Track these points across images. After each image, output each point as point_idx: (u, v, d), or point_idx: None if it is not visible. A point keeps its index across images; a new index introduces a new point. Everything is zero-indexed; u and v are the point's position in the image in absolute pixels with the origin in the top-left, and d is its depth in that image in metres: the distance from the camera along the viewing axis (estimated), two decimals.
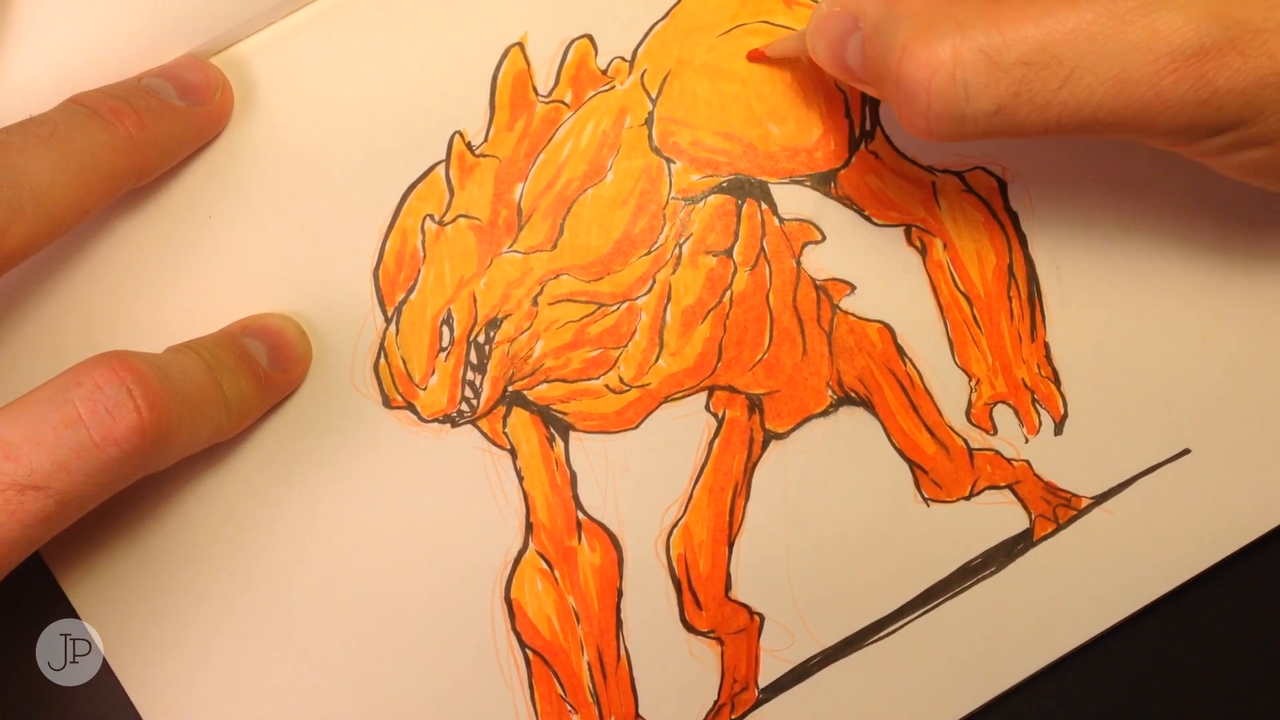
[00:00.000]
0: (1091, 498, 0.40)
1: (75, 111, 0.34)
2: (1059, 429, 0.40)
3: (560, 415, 0.39)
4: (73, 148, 0.33)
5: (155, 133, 0.35)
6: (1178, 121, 0.30)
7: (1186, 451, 0.40)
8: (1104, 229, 0.40)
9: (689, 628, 0.39)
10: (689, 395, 0.39)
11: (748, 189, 0.39)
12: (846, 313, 0.40)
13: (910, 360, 0.40)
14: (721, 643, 0.39)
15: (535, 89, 0.39)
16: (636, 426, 0.39)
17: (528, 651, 0.39)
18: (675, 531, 0.39)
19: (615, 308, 0.39)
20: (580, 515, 0.39)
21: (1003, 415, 0.40)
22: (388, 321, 0.39)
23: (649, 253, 0.39)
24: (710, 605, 0.39)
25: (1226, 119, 0.30)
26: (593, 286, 0.39)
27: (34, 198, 0.32)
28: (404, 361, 0.39)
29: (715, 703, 0.39)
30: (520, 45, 0.39)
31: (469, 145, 0.39)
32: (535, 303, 0.39)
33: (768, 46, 0.39)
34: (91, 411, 0.31)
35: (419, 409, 0.39)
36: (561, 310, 0.39)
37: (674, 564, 0.39)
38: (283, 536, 0.39)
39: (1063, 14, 0.30)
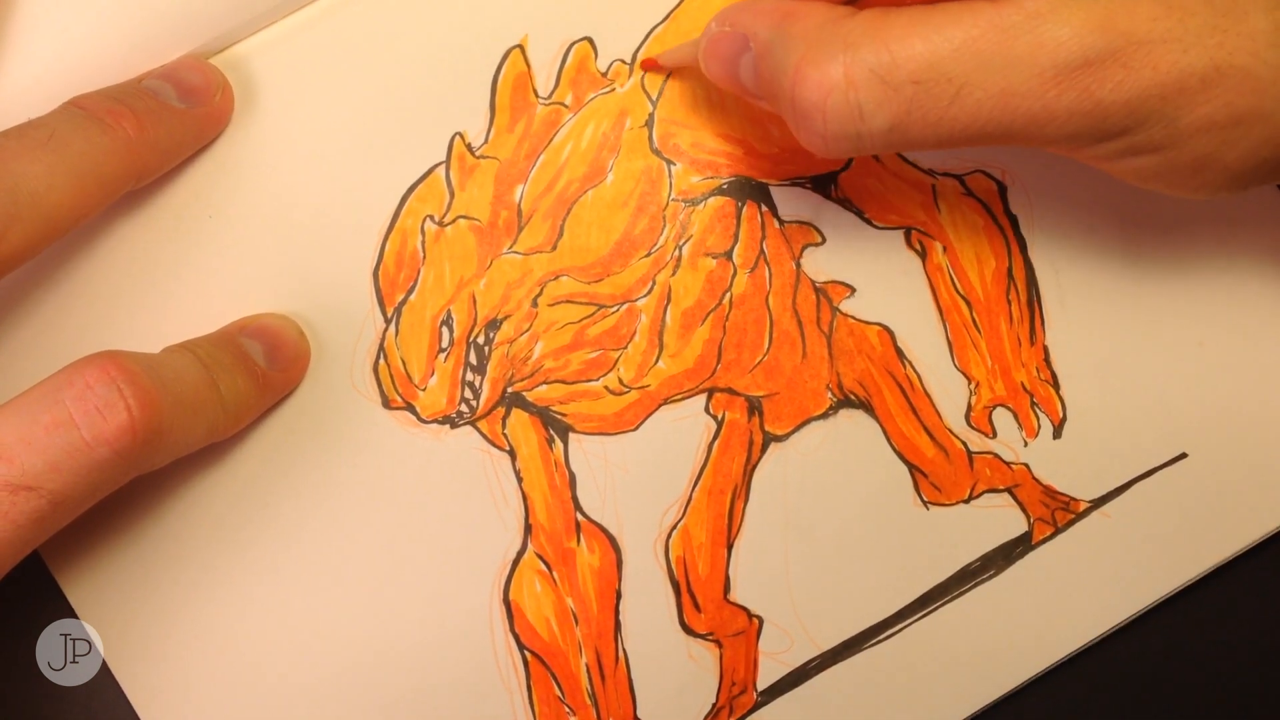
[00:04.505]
0: (1090, 501, 0.40)
1: (74, 115, 0.34)
2: (1058, 432, 0.40)
3: (560, 416, 0.39)
4: (71, 151, 0.33)
5: (154, 135, 0.35)
6: (1064, 131, 0.30)
7: (1184, 455, 0.40)
8: (1104, 233, 0.40)
9: (688, 630, 0.39)
10: (688, 397, 0.40)
11: (748, 191, 0.39)
12: (846, 315, 0.40)
13: (910, 363, 0.40)
14: (720, 645, 0.39)
15: (535, 91, 0.39)
16: (636, 428, 0.39)
17: (526, 653, 0.39)
18: (674, 533, 0.39)
19: (615, 309, 0.39)
20: (579, 517, 0.39)
21: (1002, 418, 0.40)
22: (387, 322, 0.39)
23: (649, 254, 0.39)
24: (709, 608, 0.39)
25: (1111, 128, 0.30)
26: (592, 288, 0.39)
27: (31, 202, 0.32)
28: (403, 362, 0.39)
29: (714, 705, 0.39)
30: (521, 47, 0.39)
31: (469, 146, 0.39)
32: (535, 304, 0.39)
33: (660, 56, 0.39)
34: (82, 411, 0.31)
35: (418, 410, 0.39)
36: (561, 311, 0.39)
37: (673, 566, 0.39)
38: (281, 536, 0.39)
39: (950, 30, 0.30)
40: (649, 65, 0.39)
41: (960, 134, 0.31)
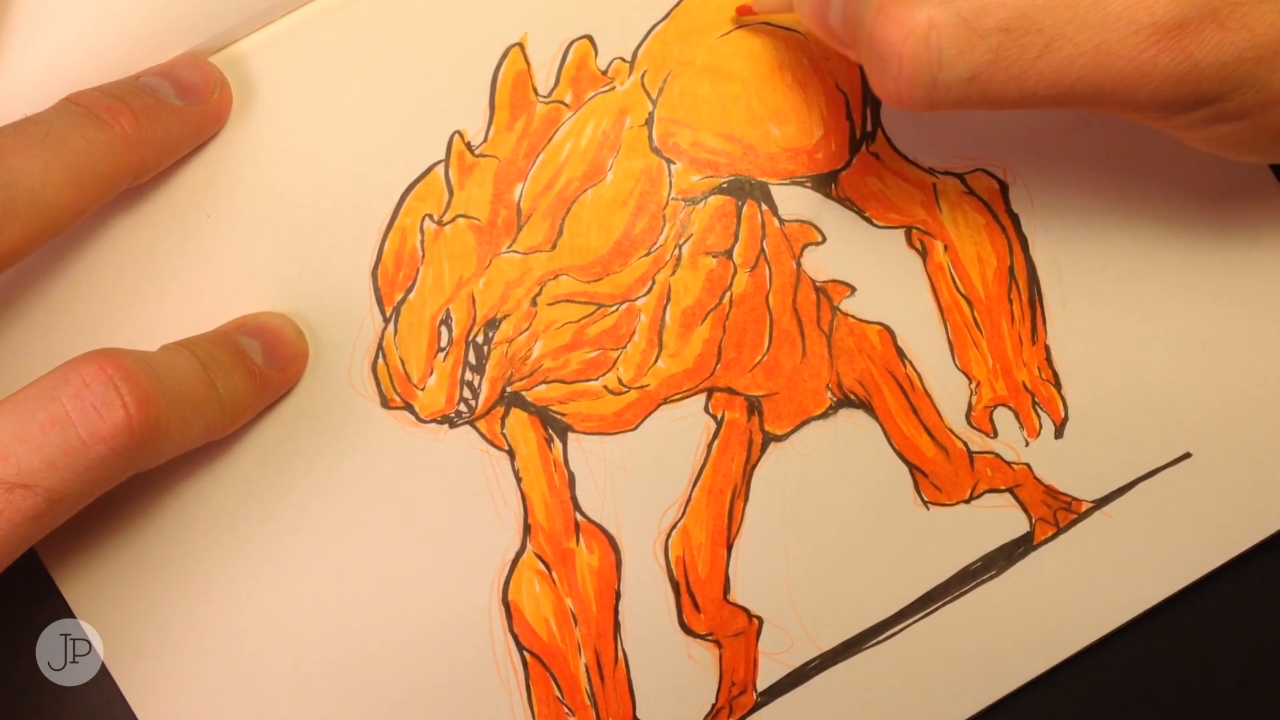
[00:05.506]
0: (1092, 501, 0.40)
1: (71, 111, 0.34)
2: (1059, 432, 0.40)
3: (559, 416, 0.39)
4: (68, 148, 0.33)
5: (152, 132, 0.35)
6: (1157, 96, 0.30)
7: (1187, 455, 0.40)
8: (1106, 232, 0.40)
9: (687, 630, 0.39)
10: (688, 397, 0.39)
11: (748, 190, 0.39)
12: (846, 314, 0.39)
13: (910, 362, 0.40)
14: (720, 645, 0.39)
15: (535, 89, 0.39)
16: (635, 428, 0.39)
17: (525, 653, 0.39)
18: (674, 533, 0.39)
19: (614, 308, 0.39)
20: (578, 517, 0.39)
21: (1003, 418, 0.40)
22: (386, 321, 0.39)
23: (648, 253, 0.39)
24: (709, 608, 0.39)
25: (1205, 93, 0.29)
26: (592, 287, 0.39)
27: (29, 198, 0.32)
28: (402, 362, 0.39)
29: (713, 706, 0.39)
30: (520, 45, 0.39)
31: (468, 145, 0.39)
32: (534, 303, 0.39)
33: (755, 2, 0.38)
34: (79, 409, 0.31)
35: (417, 409, 0.39)
36: (560, 311, 0.39)
37: (672, 566, 0.39)
38: (279, 536, 0.39)
39: None
40: (744, 10, 0.38)
41: (1045, 91, 0.29)
